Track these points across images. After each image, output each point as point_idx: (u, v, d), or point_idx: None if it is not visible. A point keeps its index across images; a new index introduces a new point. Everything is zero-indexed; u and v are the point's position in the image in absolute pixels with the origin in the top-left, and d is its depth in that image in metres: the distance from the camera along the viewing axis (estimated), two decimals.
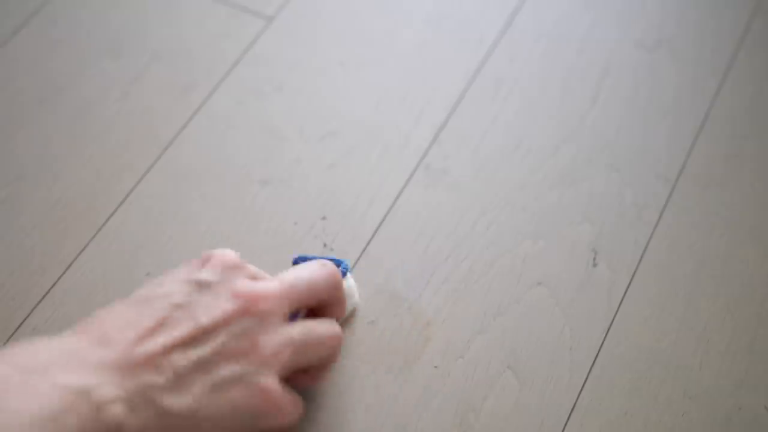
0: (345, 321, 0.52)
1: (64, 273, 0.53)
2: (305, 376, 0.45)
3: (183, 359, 0.39)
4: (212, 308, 0.41)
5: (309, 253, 0.54)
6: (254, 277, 0.44)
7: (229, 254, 0.44)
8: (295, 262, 0.51)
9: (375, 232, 0.56)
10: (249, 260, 0.54)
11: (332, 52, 0.64)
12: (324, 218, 0.56)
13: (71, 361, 0.37)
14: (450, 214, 0.57)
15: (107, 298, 0.52)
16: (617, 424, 0.49)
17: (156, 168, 0.58)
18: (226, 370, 0.40)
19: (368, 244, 0.55)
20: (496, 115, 0.61)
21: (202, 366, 0.40)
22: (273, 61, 0.63)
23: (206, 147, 0.59)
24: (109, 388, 0.37)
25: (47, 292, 0.53)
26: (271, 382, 0.41)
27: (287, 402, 0.42)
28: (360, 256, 0.55)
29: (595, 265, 0.55)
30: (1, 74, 0.62)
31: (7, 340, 0.51)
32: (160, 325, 0.40)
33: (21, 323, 0.51)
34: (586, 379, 0.51)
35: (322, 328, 0.45)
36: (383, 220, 0.56)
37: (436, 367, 0.51)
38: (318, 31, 0.65)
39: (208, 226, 0.56)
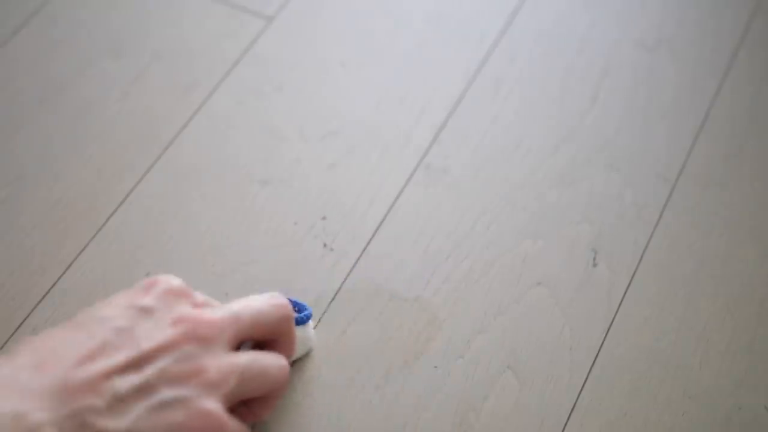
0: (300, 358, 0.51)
1: (64, 273, 0.53)
2: (247, 410, 0.44)
3: (122, 383, 0.38)
4: (154, 333, 0.40)
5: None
6: (199, 305, 0.44)
7: (174, 280, 0.44)
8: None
9: (375, 231, 0.56)
10: (249, 260, 0.54)
11: (332, 52, 0.64)
12: (324, 218, 0.56)
13: (5, 386, 0.37)
14: (450, 213, 0.57)
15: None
16: (617, 424, 0.49)
17: (156, 168, 0.58)
18: (167, 393, 0.39)
19: (368, 243, 0.55)
20: (496, 115, 0.61)
21: (143, 390, 0.39)
22: (273, 61, 0.63)
23: (206, 147, 0.59)
24: (41, 413, 0.36)
25: (47, 292, 0.53)
26: (213, 406, 0.40)
27: (232, 428, 0.41)
28: (360, 255, 0.55)
29: (595, 265, 0.55)
30: (1, 74, 0.62)
31: (7, 341, 0.51)
32: (100, 350, 0.39)
33: (21, 323, 0.51)
34: (586, 379, 0.51)
35: (270, 359, 0.44)
36: (383, 220, 0.56)
37: (436, 367, 0.51)
38: (318, 31, 0.65)
39: (208, 226, 0.56)
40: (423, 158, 0.59)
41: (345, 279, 0.54)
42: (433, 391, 0.50)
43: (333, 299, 0.53)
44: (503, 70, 0.63)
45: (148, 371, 0.39)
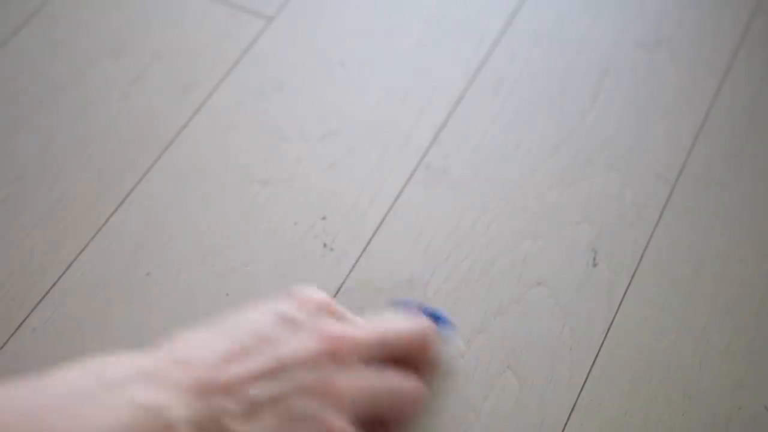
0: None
1: (64, 273, 0.53)
2: (383, 429, 0.44)
3: (259, 390, 0.39)
4: (295, 345, 0.41)
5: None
6: (341, 319, 0.44)
7: (318, 293, 0.44)
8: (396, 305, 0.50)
9: (375, 231, 0.56)
10: (249, 260, 0.54)
11: (332, 51, 0.64)
12: (324, 218, 0.56)
13: (148, 379, 0.38)
14: (450, 213, 0.57)
15: (107, 298, 0.53)
16: (617, 424, 0.49)
17: (156, 168, 0.58)
18: (300, 406, 0.40)
19: (368, 243, 0.55)
20: (496, 115, 0.61)
21: (276, 399, 0.39)
22: (273, 61, 0.63)
23: (206, 147, 0.59)
24: (180, 409, 0.37)
25: (47, 292, 0.53)
26: (342, 423, 0.40)
27: None
28: (360, 255, 0.55)
29: (595, 265, 0.55)
30: (1, 74, 0.62)
31: (7, 341, 0.51)
32: (242, 354, 0.40)
33: (21, 323, 0.51)
34: (586, 379, 0.51)
35: (404, 381, 0.44)
36: (383, 220, 0.56)
37: None
38: (318, 31, 0.65)
39: (208, 226, 0.56)
40: (423, 158, 0.59)
41: (345, 279, 0.54)
42: (434, 391, 0.50)
43: (333, 299, 0.53)
44: (503, 70, 0.63)
45: (284, 382, 0.40)
